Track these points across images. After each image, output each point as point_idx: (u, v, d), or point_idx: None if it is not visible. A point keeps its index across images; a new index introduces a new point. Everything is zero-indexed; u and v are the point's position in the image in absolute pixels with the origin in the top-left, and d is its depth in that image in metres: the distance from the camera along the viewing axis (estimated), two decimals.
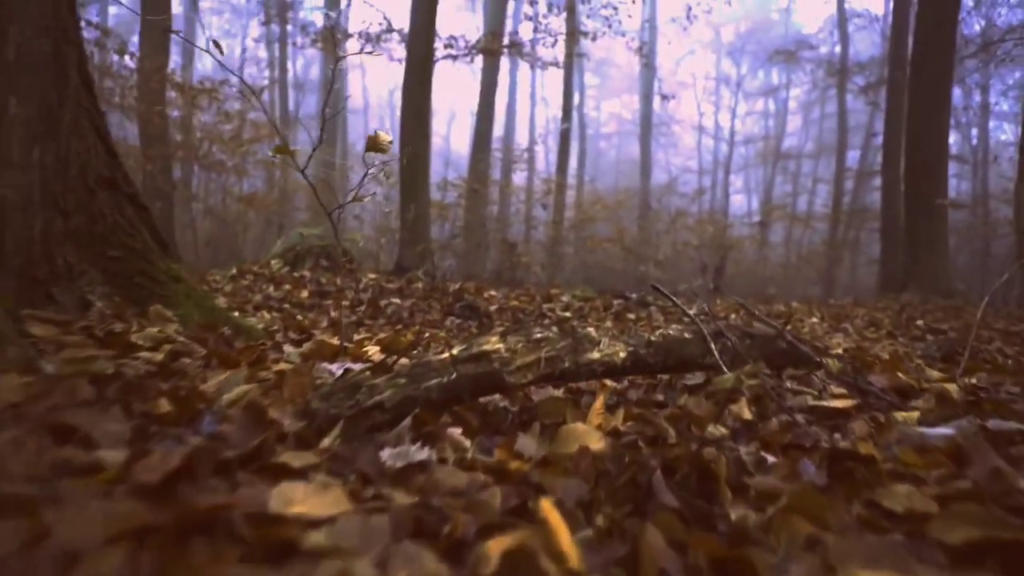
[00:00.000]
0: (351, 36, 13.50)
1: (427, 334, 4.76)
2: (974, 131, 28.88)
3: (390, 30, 12.74)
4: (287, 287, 6.03)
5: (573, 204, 20.66)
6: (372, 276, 6.56)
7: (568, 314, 5.87)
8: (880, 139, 20.08)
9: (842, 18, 26.11)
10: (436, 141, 33.25)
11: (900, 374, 2.46)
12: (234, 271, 6.52)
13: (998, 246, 19.00)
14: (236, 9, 25.42)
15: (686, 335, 1.87)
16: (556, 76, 25.92)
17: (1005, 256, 18.05)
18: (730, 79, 31.83)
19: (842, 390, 2.01)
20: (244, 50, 27.28)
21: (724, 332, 1.95)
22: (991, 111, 30.43)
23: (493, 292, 6.46)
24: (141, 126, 12.83)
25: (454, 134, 36.20)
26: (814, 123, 32.40)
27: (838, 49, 26.46)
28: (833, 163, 27.50)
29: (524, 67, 35.44)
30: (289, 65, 28.28)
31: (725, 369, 1.85)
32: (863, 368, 2.56)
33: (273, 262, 6.93)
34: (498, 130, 30.73)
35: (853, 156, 27.90)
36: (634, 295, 6.89)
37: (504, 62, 34.70)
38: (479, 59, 19.57)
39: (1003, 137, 33.27)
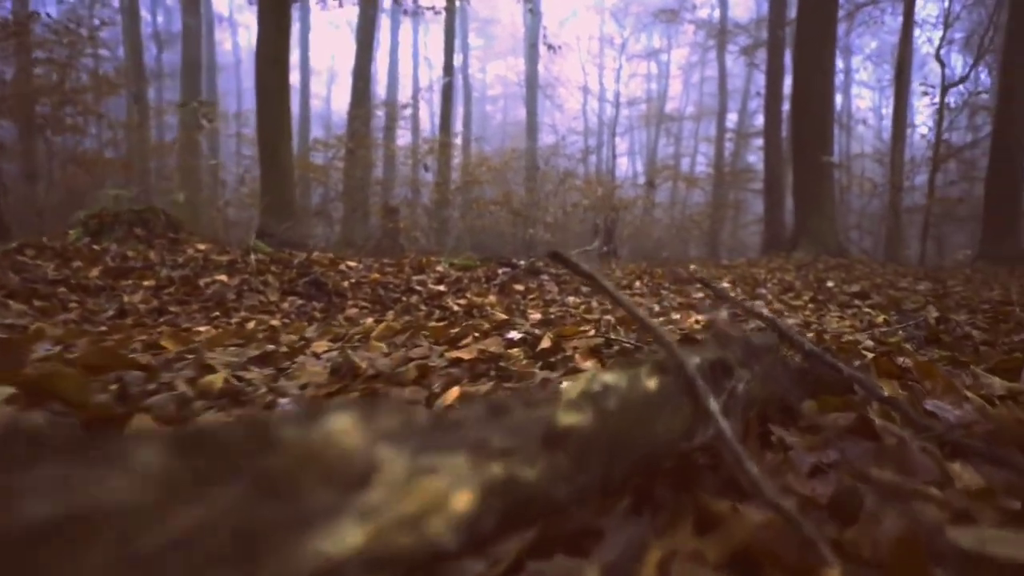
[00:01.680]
0: None
1: (250, 324, 3.47)
2: (838, 96, 29.47)
3: None
4: (78, 264, 4.53)
5: (459, 167, 19.35)
6: (200, 247, 5.12)
7: (442, 288, 4.67)
8: (760, 100, 19.87)
9: None
10: (316, 103, 31.07)
11: (968, 393, 1.41)
12: (13, 245, 4.93)
13: (871, 205, 19.21)
14: None
15: (646, 381, 0.67)
16: (439, 36, 24.32)
17: (877, 215, 18.22)
18: (613, 40, 31.04)
19: (954, 464, 0.91)
20: None
21: (730, 360, 0.80)
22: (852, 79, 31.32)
23: (352, 263, 5.15)
24: None
25: (335, 96, 33.84)
26: (694, 87, 32.26)
27: (717, 14, 26.14)
28: (714, 125, 27.39)
29: (407, 27, 33.53)
30: (148, 15, 25.41)
31: (743, 458, 0.68)
32: (903, 382, 1.50)
33: (72, 232, 5.35)
34: (381, 93, 28.85)
35: (732, 119, 27.89)
36: (522, 262, 5.75)
37: (385, 21, 32.80)
38: (355, 14, 17.80)
39: (862, 105, 34.43)
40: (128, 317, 3.55)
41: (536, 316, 3.82)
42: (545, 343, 1.94)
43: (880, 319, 3.28)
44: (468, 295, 4.57)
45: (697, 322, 2.92)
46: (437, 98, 23.85)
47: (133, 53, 18.22)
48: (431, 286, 4.65)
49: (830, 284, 6.31)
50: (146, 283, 4.11)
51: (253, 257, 4.34)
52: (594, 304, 4.52)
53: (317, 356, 1.99)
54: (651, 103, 30.51)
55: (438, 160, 15.57)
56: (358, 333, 2.57)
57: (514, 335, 2.09)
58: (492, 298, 4.59)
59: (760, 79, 25.16)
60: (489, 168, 16.74)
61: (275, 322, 3.58)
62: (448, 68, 16.56)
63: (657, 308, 4.22)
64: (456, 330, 2.56)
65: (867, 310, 4.08)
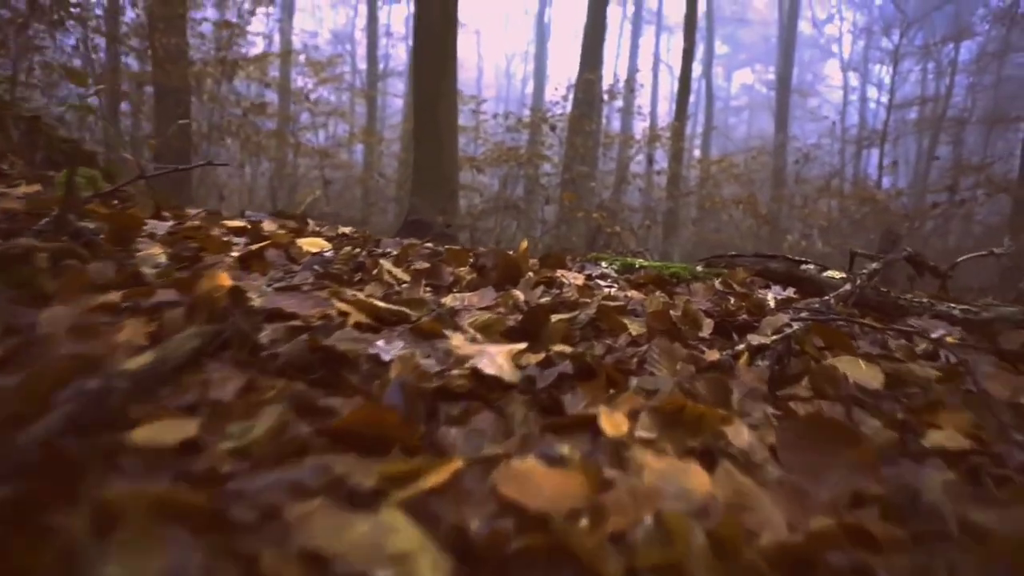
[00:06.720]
0: None
1: None
2: None
3: None
4: None
5: (695, 167, 15.27)
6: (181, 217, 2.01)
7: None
8: None
9: None
10: None
11: None
12: None
13: None
14: None
15: None
16: (681, 41, 20.32)
17: None
18: (887, 36, 24.50)
19: None
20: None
21: None
22: None
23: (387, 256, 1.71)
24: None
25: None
26: (984, 88, 24.60)
27: None
28: (999, 135, 20.31)
29: (648, 32, 29.80)
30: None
31: None
32: None
33: None
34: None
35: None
36: (813, 263, 1.94)
37: (627, 27, 29.23)
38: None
39: None
40: None
41: None
42: None
43: None
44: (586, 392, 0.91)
45: None
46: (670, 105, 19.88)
47: (370, 54, 16.88)
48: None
49: None
50: None
51: None
52: None
53: None
54: (928, 104, 23.69)
55: (668, 152, 11.71)
56: None
57: None
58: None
59: None
60: (730, 165, 12.48)
61: None
62: (689, 30, 12.52)
63: None
64: None
65: None
